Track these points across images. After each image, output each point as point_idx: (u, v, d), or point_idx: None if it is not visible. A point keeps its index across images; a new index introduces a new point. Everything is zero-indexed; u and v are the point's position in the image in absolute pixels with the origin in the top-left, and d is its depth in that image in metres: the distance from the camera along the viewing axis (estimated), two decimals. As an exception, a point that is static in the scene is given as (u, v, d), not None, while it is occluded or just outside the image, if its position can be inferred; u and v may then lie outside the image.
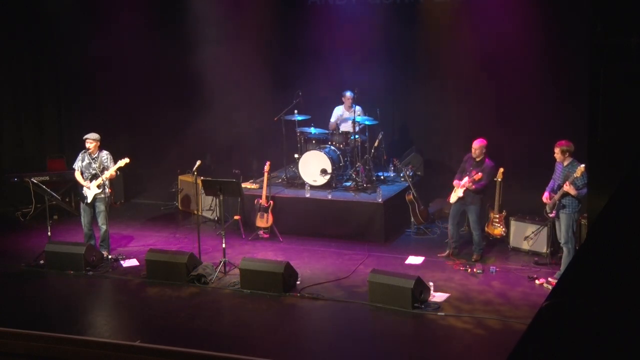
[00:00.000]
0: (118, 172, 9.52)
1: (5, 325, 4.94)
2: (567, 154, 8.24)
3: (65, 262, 9.15)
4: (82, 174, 9.48)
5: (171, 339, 7.18)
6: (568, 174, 8.17)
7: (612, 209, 2.81)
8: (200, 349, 5.16)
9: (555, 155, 8.35)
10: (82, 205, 9.61)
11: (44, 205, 9.95)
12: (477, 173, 9.06)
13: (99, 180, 9.32)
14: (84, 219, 9.59)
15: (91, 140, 9.40)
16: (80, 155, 9.53)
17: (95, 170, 9.37)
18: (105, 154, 9.48)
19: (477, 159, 9.21)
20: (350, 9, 12.06)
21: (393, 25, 11.85)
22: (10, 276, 9.20)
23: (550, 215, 8.48)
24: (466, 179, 9.17)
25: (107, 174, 9.35)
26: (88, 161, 9.44)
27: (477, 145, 9.17)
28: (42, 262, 9.35)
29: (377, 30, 11.86)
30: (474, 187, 9.13)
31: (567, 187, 8.11)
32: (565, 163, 8.27)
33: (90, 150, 9.41)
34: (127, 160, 9.35)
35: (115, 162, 9.41)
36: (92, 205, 9.46)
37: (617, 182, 3.06)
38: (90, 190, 9.40)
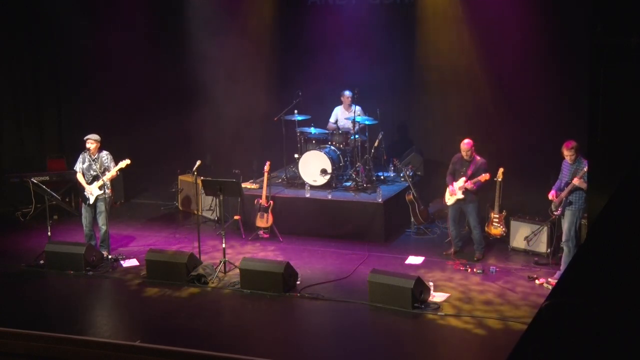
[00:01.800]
0: (118, 172, 9.53)
1: (5, 325, 4.94)
2: (578, 151, 8.26)
3: (65, 262, 9.15)
4: (83, 175, 9.49)
5: (171, 339, 7.18)
6: (576, 170, 8.19)
7: (612, 209, 2.81)
8: (200, 349, 5.17)
9: (568, 157, 8.30)
10: (83, 205, 9.62)
11: (44, 205, 9.95)
12: (476, 175, 9.09)
13: (100, 182, 9.33)
14: (85, 219, 9.60)
15: (92, 141, 9.40)
16: (80, 156, 9.54)
17: (96, 171, 9.38)
18: (105, 155, 9.49)
19: (468, 159, 9.24)
20: (350, 9, 12.08)
21: (393, 25, 11.87)
22: (10, 276, 9.20)
23: (556, 212, 8.48)
24: (462, 179, 9.19)
25: (108, 175, 9.36)
26: (89, 162, 9.45)
27: (468, 146, 9.21)
28: (42, 262, 9.35)
29: (377, 30, 11.87)
30: (475, 187, 9.15)
31: (578, 181, 8.11)
32: (574, 161, 8.29)
33: (90, 151, 9.42)
34: (128, 161, 9.38)
35: (115, 162, 9.43)
36: (94, 205, 9.48)
37: (617, 182, 3.06)
38: (93, 192, 9.41)
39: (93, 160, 9.44)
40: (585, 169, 8.03)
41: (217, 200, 10.24)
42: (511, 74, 10.87)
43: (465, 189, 9.18)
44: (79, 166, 9.53)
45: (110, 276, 9.11)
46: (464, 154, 9.25)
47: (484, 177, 9.07)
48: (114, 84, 12.98)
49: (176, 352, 4.15)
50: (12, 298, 8.54)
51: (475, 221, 9.34)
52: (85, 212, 9.60)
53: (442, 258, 9.51)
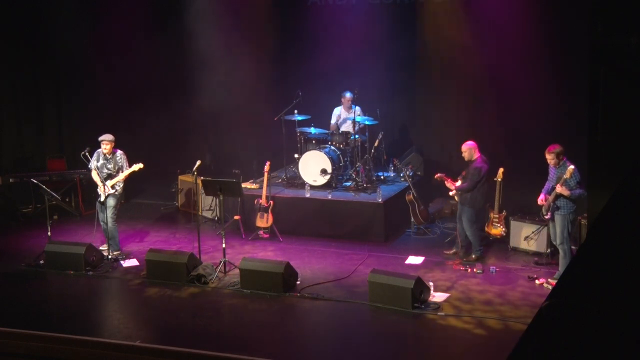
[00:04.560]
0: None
1: (5, 325, 4.94)
2: (561, 156, 8.25)
3: (65, 262, 9.14)
4: (98, 173, 9.52)
5: (171, 339, 7.18)
6: (561, 175, 8.19)
7: (612, 209, 2.81)
8: (200, 349, 5.16)
9: (550, 161, 8.33)
10: (97, 204, 9.66)
11: (44, 205, 9.95)
12: (466, 178, 9.15)
13: (113, 181, 9.42)
14: (100, 216, 9.64)
15: (107, 142, 9.46)
16: (95, 154, 9.57)
17: (110, 170, 9.45)
18: (119, 154, 9.55)
19: (469, 160, 9.23)
20: (350, 9, 12.08)
21: (393, 25, 11.87)
22: (10, 276, 9.20)
23: (546, 217, 8.49)
24: (460, 181, 9.22)
25: (121, 176, 9.42)
26: (103, 161, 9.48)
27: (464, 147, 9.23)
28: (42, 262, 9.35)
29: (377, 30, 11.87)
30: (457, 186, 9.19)
31: (560, 189, 8.13)
32: (558, 166, 8.29)
33: (105, 151, 9.45)
34: (140, 165, 9.48)
35: (129, 162, 9.49)
36: (105, 203, 9.50)
37: (617, 182, 3.06)
38: (106, 190, 9.45)
39: (107, 160, 9.48)
40: (565, 177, 8.04)
41: (217, 200, 10.24)
42: (511, 74, 10.85)
43: (455, 190, 9.23)
44: (93, 164, 9.56)
45: (110, 276, 9.11)
46: (463, 155, 9.26)
47: (452, 184, 9.18)
48: (114, 84, 12.98)
49: (176, 352, 4.15)
50: (12, 298, 8.53)
51: (467, 224, 9.29)
52: (98, 211, 9.67)
53: (442, 258, 9.51)
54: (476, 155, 9.18)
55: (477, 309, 7.78)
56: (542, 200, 8.49)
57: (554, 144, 8.31)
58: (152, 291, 8.58)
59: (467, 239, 9.54)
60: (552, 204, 8.31)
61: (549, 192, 8.42)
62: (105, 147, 9.45)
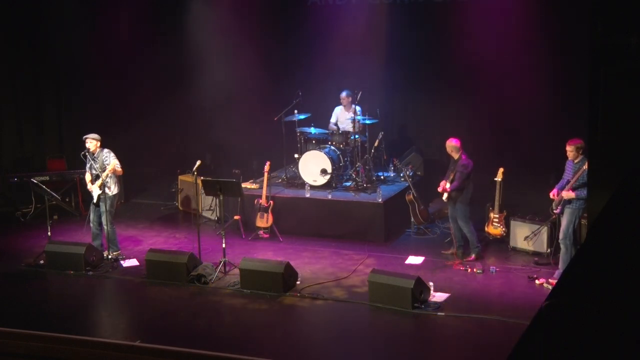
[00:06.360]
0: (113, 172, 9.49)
1: (5, 325, 4.94)
2: (581, 151, 8.27)
3: (65, 262, 9.14)
4: (91, 174, 9.50)
5: (171, 339, 7.18)
6: (578, 169, 8.21)
7: (612, 209, 2.81)
8: (200, 349, 5.16)
9: (568, 153, 8.34)
10: (91, 204, 9.62)
11: (44, 205, 9.95)
12: (455, 177, 9.12)
13: (99, 181, 9.33)
14: (90, 217, 9.61)
15: (90, 139, 9.39)
16: (87, 155, 9.54)
17: (96, 171, 9.37)
18: (105, 153, 9.43)
19: (455, 158, 9.21)
20: (350, 9, 12.09)
21: (393, 25, 11.88)
22: (10, 276, 9.21)
23: (555, 211, 8.49)
24: (448, 183, 9.22)
25: (103, 175, 9.32)
26: (91, 162, 9.45)
27: (449, 144, 9.22)
28: (42, 262, 9.35)
29: (377, 30, 11.88)
30: (448, 190, 9.16)
31: (566, 194, 8.18)
32: (577, 160, 8.30)
33: (90, 150, 9.40)
34: (115, 163, 9.31)
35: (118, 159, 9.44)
36: (98, 204, 9.46)
37: (617, 182, 3.06)
38: (94, 191, 9.42)
39: (93, 160, 9.43)
40: (579, 174, 8.06)
41: (217, 200, 10.24)
42: (511, 74, 10.87)
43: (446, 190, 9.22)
44: (87, 165, 9.54)
45: (110, 276, 9.11)
46: (447, 150, 9.26)
47: (443, 183, 9.15)
48: (114, 84, 12.99)
49: (176, 352, 4.15)
50: (12, 298, 8.54)
51: (462, 221, 9.29)
52: (90, 211, 9.63)
53: (442, 258, 9.51)
54: (460, 152, 9.18)
55: (477, 309, 7.78)
56: (554, 195, 8.50)
57: (575, 139, 8.30)
58: (152, 291, 8.58)
59: (463, 238, 9.55)
60: (563, 198, 8.33)
61: (562, 188, 8.44)
62: (90, 145, 9.33)
